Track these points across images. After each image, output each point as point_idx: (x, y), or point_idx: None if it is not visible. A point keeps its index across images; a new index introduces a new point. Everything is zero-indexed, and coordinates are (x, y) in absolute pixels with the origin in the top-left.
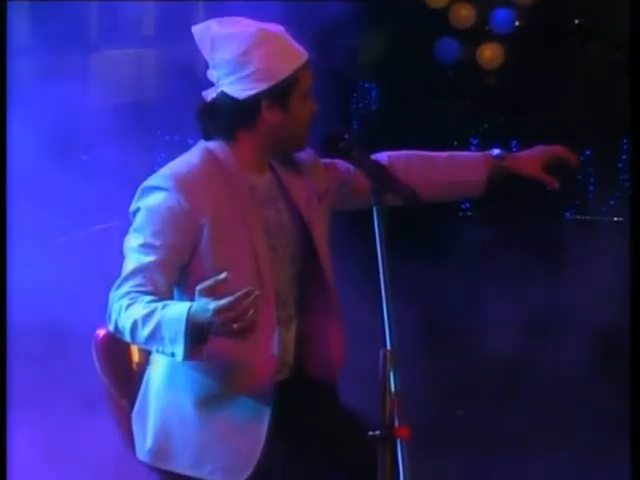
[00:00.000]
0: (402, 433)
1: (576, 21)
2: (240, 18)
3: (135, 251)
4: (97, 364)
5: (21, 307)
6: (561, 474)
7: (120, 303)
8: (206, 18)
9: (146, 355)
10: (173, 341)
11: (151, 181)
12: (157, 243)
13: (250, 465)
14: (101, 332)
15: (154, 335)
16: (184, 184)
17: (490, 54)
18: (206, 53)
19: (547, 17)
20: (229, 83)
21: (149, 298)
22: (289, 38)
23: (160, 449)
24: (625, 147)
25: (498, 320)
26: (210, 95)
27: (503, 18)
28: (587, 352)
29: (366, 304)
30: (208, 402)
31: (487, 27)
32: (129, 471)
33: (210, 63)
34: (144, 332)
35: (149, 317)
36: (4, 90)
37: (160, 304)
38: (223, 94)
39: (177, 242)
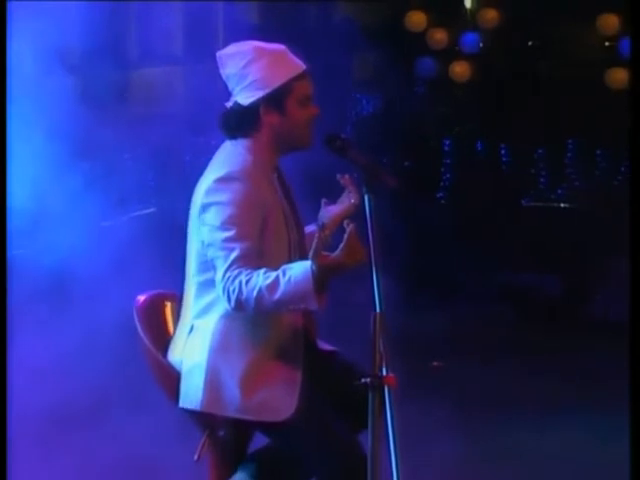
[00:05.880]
0: (389, 381)
1: (529, 43)
2: (251, 41)
3: (233, 239)
4: (137, 325)
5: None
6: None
7: (239, 279)
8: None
9: (176, 317)
10: (305, 295)
11: (226, 175)
12: (248, 230)
13: (292, 405)
14: (141, 298)
15: (286, 296)
16: (254, 178)
17: (460, 70)
18: (221, 71)
19: (506, 40)
20: (237, 93)
21: (263, 270)
22: (287, 54)
23: (213, 398)
24: (570, 147)
25: (473, 291)
26: (229, 104)
27: (470, 40)
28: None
29: (361, 279)
30: (256, 360)
31: (457, 47)
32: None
33: (224, 78)
34: (274, 297)
35: (275, 283)
36: (4, 89)
37: (280, 272)
38: (235, 102)
39: (257, 225)
